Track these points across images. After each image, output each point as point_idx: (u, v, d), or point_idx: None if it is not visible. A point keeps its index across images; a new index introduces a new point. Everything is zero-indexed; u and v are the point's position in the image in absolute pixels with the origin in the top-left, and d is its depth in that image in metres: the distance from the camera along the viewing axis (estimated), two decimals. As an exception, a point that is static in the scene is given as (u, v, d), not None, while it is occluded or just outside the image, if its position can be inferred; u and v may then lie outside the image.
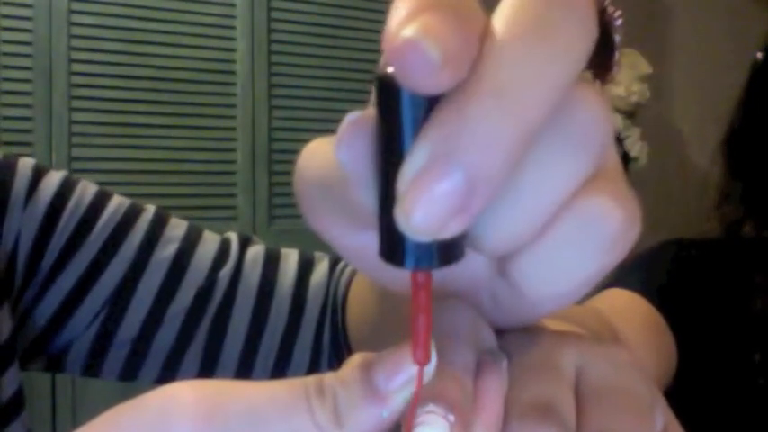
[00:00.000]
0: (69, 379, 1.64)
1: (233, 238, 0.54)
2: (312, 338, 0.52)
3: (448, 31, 0.15)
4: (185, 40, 1.83)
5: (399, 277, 0.20)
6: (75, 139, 1.71)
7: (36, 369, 0.51)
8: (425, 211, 0.16)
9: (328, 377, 0.19)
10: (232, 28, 1.87)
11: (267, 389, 0.18)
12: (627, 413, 0.20)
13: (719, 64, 2.49)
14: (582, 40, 0.17)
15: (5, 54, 1.64)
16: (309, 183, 0.20)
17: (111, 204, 0.50)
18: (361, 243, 0.20)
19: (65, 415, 1.63)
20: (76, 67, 1.71)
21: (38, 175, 0.48)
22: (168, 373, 0.51)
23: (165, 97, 1.81)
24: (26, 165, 0.48)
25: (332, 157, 0.19)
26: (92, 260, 0.48)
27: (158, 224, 0.51)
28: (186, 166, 1.83)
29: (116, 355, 0.50)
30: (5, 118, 1.64)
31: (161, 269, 0.50)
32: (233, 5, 1.87)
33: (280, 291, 0.51)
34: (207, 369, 0.51)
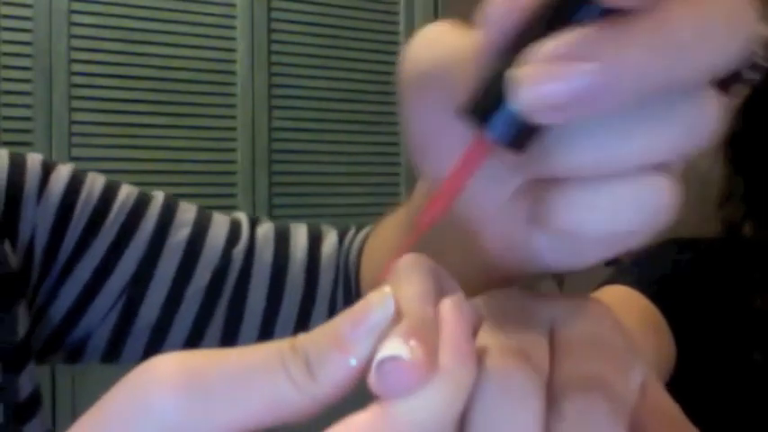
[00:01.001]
0: (69, 379, 1.64)
1: (242, 217, 0.54)
2: (327, 309, 0.53)
3: None
4: (185, 40, 1.83)
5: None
6: (75, 139, 1.71)
7: (55, 361, 0.52)
8: (548, 83, 0.17)
9: (300, 337, 0.19)
10: (232, 28, 1.87)
11: (244, 352, 0.19)
12: (601, 360, 0.20)
13: (719, 64, 2.48)
14: (740, 44, 0.18)
15: (5, 54, 1.64)
16: (422, 64, 0.22)
17: (121, 194, 0.51)
18: (449, 131, 0.22)
19: (65, 415, 1.63)
20: (76, 67, 1.71)
21: (47, 169, 0.49)
22: None
23: (165, 97, 1.81)
24: (34, 160, 0.49)
25: (450, 42, 0.21)
26: (107, 249, 0.49)
27: (169, 209, 0.52)
28: (186, 166, 1.83)
29: (136, 341, 0.51)
30: (5, 118, 1.64)
31: (176, 253, 0.50)
32: (233, 5, 1.87)
33: (293, 265, 0.52)
34: (226, 347, 0.51)
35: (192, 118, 1.83)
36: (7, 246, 0.46)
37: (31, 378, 0.46)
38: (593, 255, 0.22)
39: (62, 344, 0.50)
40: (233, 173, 1.88)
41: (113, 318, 0.50)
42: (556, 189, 0.20)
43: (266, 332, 0.52)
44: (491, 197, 0.23)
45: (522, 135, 0.19)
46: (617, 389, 0.19)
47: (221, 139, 1.87)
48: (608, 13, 0.17)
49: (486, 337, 0.20)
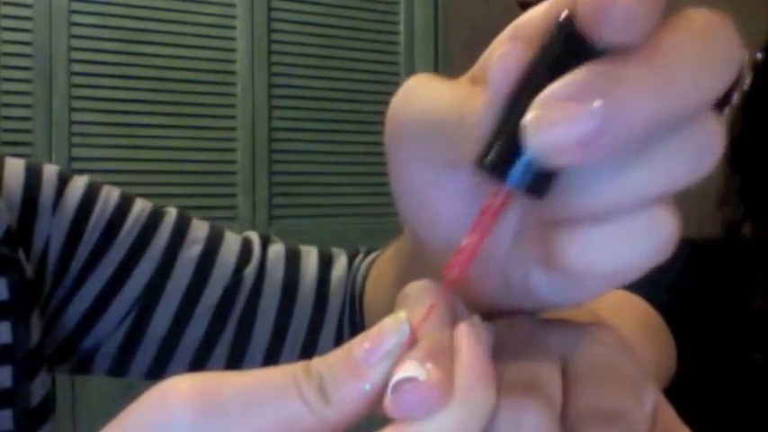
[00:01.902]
0: (69, 379, 1.64)
1: (254, 237, 0.55)
2: (335, 332, 0.53)
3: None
4: (185, 40, 1.83)
5: (443, 236, 0.23)
6: (75, 139, 1.71)
7: (64, 371, 0.52)
8: (556, 128, 0.17)
9: (315, 360, 0.20)
10: (232, 28, 1.87)
11: (259, 375, 0.19)
12: (614, 390, 0.20)
13: (719, 64, 2.48)
14: (733, 70, 0.19)
15: (5, 54, 1.64)
16: (408, 118, 0.23)
17: (135, 208, 0.51)
18: (438, 184, 0.23)
19: (65, 415, 1.63)
20: (76, 68, 1.71)
21: (63, 180, 0.50)
22: (196, 370, 0.51)
23: (165, 97, 1.81)
24: (51, 171, 0.50)
25: (437, 94, 0.22)
26: (120, 262, 0.50)
27: (182, 225, 0.52)
28: (186, 166, 1.83)
29: (145, 354, 0.51)
30: (5, 118, 1.64)
31: (188, 268, 0.51)
32: (233, 5, 1.87)
33: (303, 287, 0.53)
34: (233, 367, 0.51)
35: (192, 118, 1.83)
36: (21, 254, 0.46)
37: (43, 384, 0.46)
38: (594, 291, 0.22)
39: (72, 353, 0.51)
40: (233, 173, 1.88)
41: (123, 329, 0.50)
42: (567, 230, 0.20)
43: (273, 353, 0.52)
44: (495, 242, 0.23)
45: (541, 181, 0.20)
46: (633, 419, 0.20)
47: (221, 139, 1.87)
48: (606, 50, 0.18)
49: (498, 369, 0.20)
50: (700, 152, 0.19)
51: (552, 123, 0.18)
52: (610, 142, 0.18)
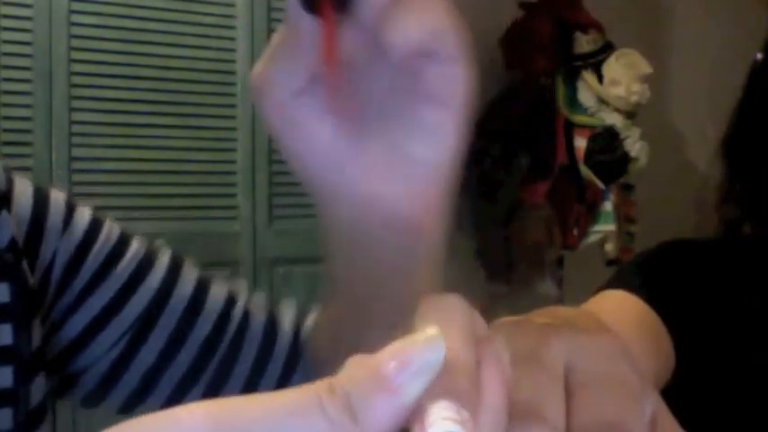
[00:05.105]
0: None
1: (240, 284, 0.58)
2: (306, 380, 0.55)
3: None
4: (185, 40, 1.83)
5: (319, 163, 0.36)
6: (75, 139, 1.71)
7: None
8: None
9: (336, 377, 0.19)
10: (232, 28, 1.87)
11: (275, 397, 0.18)
12: (615, 401, 0.20)
13: (719, 64, 2.48)
14: None
15: (5, 54, 1.64)
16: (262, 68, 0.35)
17: (134, 244, 0.55)
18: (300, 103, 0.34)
19: (65, 415, 1.63)
20: (76, 67, 1.71)
21: (71, 206, 0.53)
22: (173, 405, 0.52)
23: (165, 97, 1.81)
24: (58, 198, 0.53)
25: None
26: (120, 287, 0.52)
27: (178, 263, 0.55)
28: (186, 166, 1.83)
29: (126, 385, 0.53)
30: (5, 118, 1.64)
31: (180, 304, 0.53)
32: (233, 5, 1.87)
33: (282, 336, 0.55)
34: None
35: (192, 118, 1.83)
36: (25, 265, 0.48)
37: (42, 386, 0.48)
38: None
39: (62, 370, 0.52)
40: (233, 173, 1.88)
41: (113, 355, 0.52)
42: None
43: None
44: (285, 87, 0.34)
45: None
46: (634, 430, 0.20)
47: (221, 139, 1.87)
48: None
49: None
50: None
51: None
52: None
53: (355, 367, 0.19)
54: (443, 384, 0.18)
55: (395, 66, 0.33)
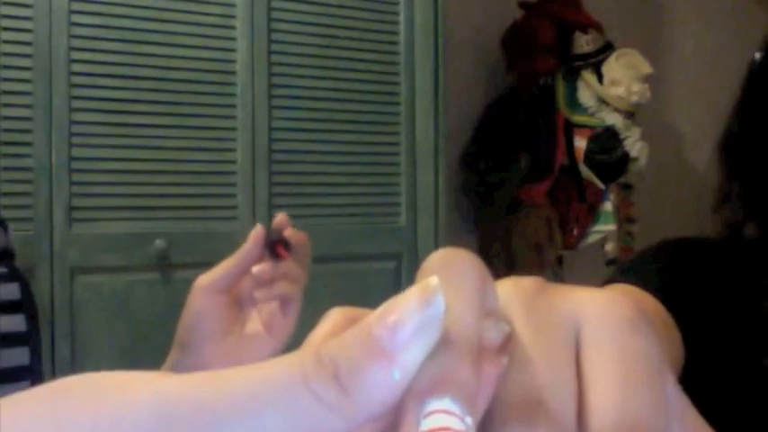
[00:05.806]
0: (70, 369, 1.64)
1: None
2: None
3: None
4: (185, 40, 1.83)
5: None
6: (75, 139, 1.71)
7: None
8: None
9: (327, 343, 0.16)
10: (232, 28, 1.87)
11: (252, 370, 0.16)
12: (636, 390, 0.18)
13: (719, 64, 2.48)
14: None
15: (5, 54, 1.64)
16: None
17: None
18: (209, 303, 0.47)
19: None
20: (76, 67, 1.71)
21: None
22: None
23: (165, 97, 1.81)
24: None
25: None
26: None
27: None
28: (186, 166, 1.83)
29: None
30: (5, 118, 1.64)
31: None
32: (233, 5, 1.87)
33: None
34: None
35: (192, 118, 1.83)
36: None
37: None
38: None
39: None
40: (233, 173, 1.88)
41: None
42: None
43: None
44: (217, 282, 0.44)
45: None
46: (656, 426, 0.17)
47: (221, 139, 1.87)
48: None
49: (512, 377, 0.18)
50: None
51: None
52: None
53: (347, 332, 0.16)
54: (447, 368, 0.16)
55: None
